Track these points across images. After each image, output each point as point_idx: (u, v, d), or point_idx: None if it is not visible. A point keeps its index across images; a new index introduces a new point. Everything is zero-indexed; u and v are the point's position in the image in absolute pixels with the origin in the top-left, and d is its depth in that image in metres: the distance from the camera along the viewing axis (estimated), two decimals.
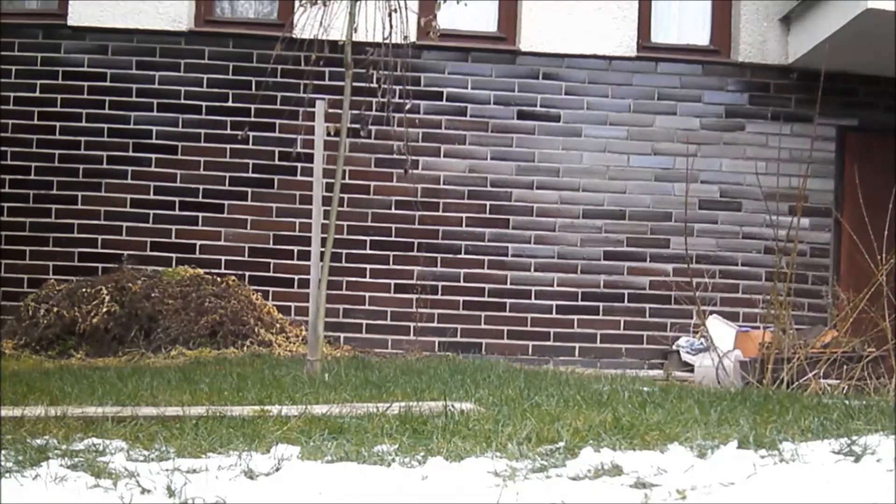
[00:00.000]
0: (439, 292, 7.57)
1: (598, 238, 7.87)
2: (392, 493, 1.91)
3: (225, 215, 7.70)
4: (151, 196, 7.69)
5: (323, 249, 5.31)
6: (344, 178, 5.74)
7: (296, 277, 7.52)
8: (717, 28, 8.26)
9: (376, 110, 6.17)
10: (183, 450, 2.47)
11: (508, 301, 7.71)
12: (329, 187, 5.50)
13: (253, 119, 7.62)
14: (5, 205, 7.63)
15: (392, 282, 7.55)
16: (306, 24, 5.69)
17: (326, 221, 5.39)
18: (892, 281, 5.52)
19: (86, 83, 7.76)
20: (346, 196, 7.46)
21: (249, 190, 7.74)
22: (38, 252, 7.58)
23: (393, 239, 7.66)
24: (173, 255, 7.60)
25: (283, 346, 6.90)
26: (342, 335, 7.46)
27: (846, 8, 7.11)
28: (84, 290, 6.99)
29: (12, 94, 7.69)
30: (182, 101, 7.78)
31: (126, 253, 7.56)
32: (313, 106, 5.52)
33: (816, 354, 5.37)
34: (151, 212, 7.68)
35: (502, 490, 1.87)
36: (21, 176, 7.65)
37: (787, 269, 5.71)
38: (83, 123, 7.72)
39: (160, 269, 7.40)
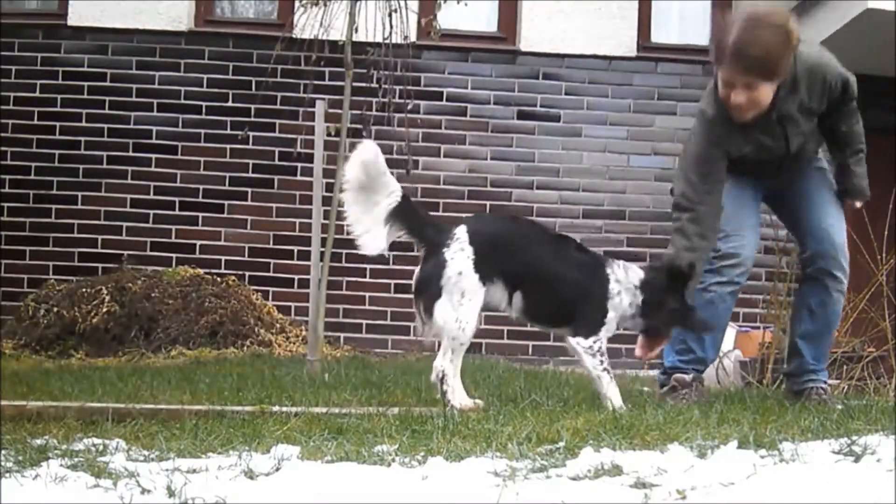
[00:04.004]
0: None
1: (598, 238, 7.87)
2: (392, 493, 1.91)
3: (225, 215, 7.70)
4: (151, 196, 7.69)
5: (323, 249, 5.31)
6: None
7: (296, 277, 7.53)
8: (717, 28, 8.25)
9: (377, 110, 6.17)
10: (183, 450, 2.47)
11: None
12: (329, 187, 5.49)
13: (253, 119, 7.62)
14: (5, 205, 7.64)
15: (392, 282, 7.54)
16: (306, 24, 5.70)
17: (326, 221, 5.39)
18: (892, 281, 5.52)
19: (86, 83, 7.76)
20: None
21: (249, 190, 7.75)
22: (38, 252, 7.59)
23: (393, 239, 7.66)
24: (173, 255, 7.61)
25: (283, 346, 6.90)
26: (342, 335, 7.46)
27: (846, 8, 7.12)
28: (84, 290, 6.99)
29: (12, 94, 7.70)
30: (182, 101, 7.78)
31: (126, 253, 7.56)
32: (313, 106, 5.51)
33: None
34: (151, 212, 7.68)
35: (502, 490, 1.87)
36: (21, 176, 7.65)
37: (787, 269, 5.70)
38: (83, 123, 7.72)
39: (160, 269, 7.40)
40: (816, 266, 3.86)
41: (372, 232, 3.44)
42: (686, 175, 3.67)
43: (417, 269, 3.50)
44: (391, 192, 3.43)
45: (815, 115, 3.76)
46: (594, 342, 3.50)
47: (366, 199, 3.44)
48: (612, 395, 3.45)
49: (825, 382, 3.95)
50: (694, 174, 3.65)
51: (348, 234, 3.51)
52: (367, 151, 3.40)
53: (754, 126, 3.62)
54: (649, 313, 3.53)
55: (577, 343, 3.53)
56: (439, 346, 3.51)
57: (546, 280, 3.54)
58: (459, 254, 3.40)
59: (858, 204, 4.09)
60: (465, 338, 3.43)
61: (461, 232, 3.45)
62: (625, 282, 3.56)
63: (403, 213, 3.45)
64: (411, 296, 3.52)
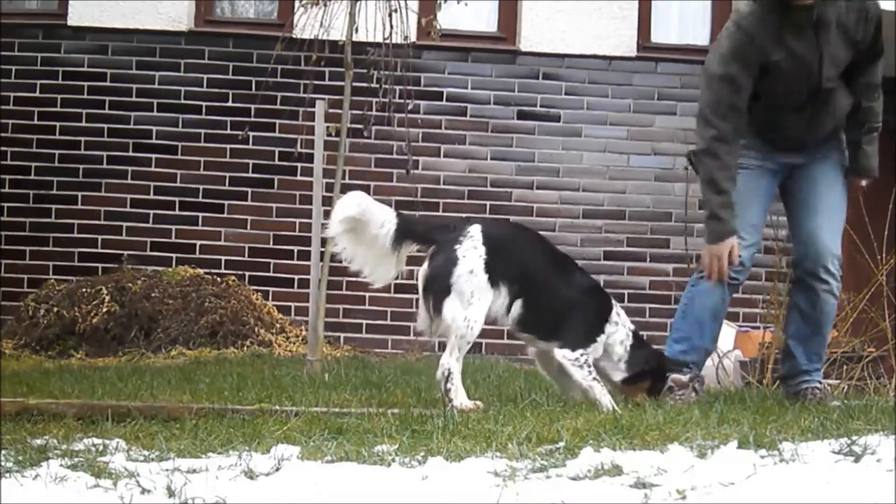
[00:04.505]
0: None
1: (598, 238, 7.87)
2: (392, 493, 1.91)
3: (225, 215, 7.70)
4: (151, 196, 7.69)
5: (323, 249, 5.31)
6: (344, 178, 5.73)
7: (296, 277, 7.52)
8: (717, 28, 8.23)
9: (377, 110, 6.17)
10: (183, 450, 2.47)
11: None
12: (329, 187, 5.49)
13: (253, 119, 7.61)
14: (5, 205, 7.63)
15: (392, 282, 7.52)
16: (306, 24, 5.70)
17: (326, 221, 5.39)
18: (892, 281, 5.52)
19: (86, 83, 7.76)
20: None
21: (249, 190, 7.74)
22: (38, 252, 7.58)
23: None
24: (173, 255, 7.60)
25: (283, 346, 6.90)
26: (342, 335, 7.45)
27: None
28: (84, 290, 6.99)
29: (12, 94, 7.69)
30: (182, 101, 7.77)
31: (126, 253, 7.56)
32: (313, 106, 5.52)
33: None
34: (151, 212, 7.68)
35: (502, 490, 1.88)
36: (21, 176, 7.65)
37: (787, 269, 5.70)
38: (83, 123, 7.72)
39: (160, 269, 7.40)
40: (801, 268, 3.91)
41: (380, 265, 3.46)
42: (712, 88, 3.82)
43: (426, 265, 3.49)
44: (384, 222, 3.42)
45: (848, 48, 3.73)
46: (581, 354, 3.48)
47: (360, 237, 3.44)
48: (607, 401, 3.45)
49: (820, 382, 3.97)
50: (720, 89, 3.77)
51: (354, 273, 3.52)
52: (349, 206, 3.41)
53: (789, 25, 3.63)
54: (637, 359, 3.61)
55: (562, 356, 3.49)
56: (439, 346, 3.51)
57: (553, 292, 3.53)
58: (472, 252, 3.39)
59: (864, 182, 4.02)
60: (472, 336, 3.42)
61: (475, 231, 3.44)
62: (622, 321, 3.64)
63: (406, 233, 3.46)
64: (413, 295, 3.52)
